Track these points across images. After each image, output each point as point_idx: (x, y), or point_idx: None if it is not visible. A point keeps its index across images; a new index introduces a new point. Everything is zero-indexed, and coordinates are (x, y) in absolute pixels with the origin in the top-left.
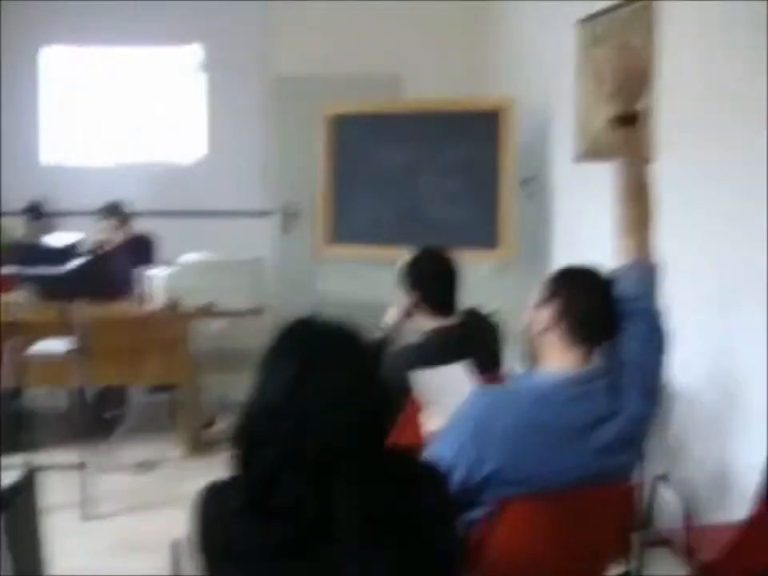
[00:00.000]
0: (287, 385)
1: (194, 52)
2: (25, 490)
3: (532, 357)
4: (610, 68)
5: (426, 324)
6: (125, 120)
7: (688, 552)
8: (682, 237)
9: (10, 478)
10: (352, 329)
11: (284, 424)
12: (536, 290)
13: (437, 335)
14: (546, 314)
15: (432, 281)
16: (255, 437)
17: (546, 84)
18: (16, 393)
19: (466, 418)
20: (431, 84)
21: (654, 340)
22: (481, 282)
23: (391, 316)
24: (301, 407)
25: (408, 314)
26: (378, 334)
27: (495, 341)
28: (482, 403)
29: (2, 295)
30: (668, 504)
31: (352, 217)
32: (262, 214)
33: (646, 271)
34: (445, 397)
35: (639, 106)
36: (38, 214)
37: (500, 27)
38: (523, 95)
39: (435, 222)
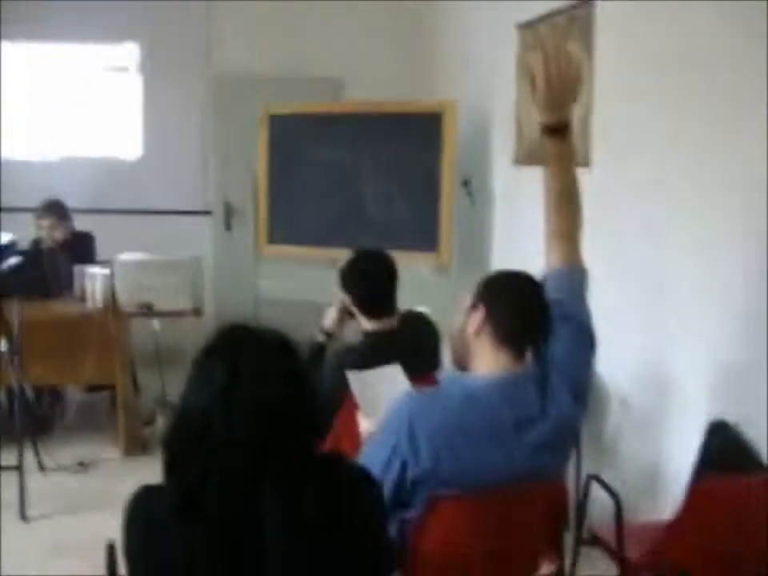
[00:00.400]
0: (217, 390)
1: (131, 50)
2: None
3: (462, 360)
4: (539, 75)
5: (364, 325)
6: (63, 116)
7: (618, 550)
8: (613, 239)
9: None
10: (284, 334)
11: (214, 429)
12: (468, 295)
13: (374, 337)
14: (474, 319)
15: (369, 283)
16: (185, 441)
17: (487, 88)
18: None
19: (397, 419)
20: (372, 87)
21: (582, 342)
22: (419, 285)
23: (330, 317)
24: (230, 413)
25: (346, 315)
26: (316, 336)
27: (432, 343)
28: (412, 404)
29: None
30: (600, 503)
31: (292, 217)
32: (202, 212)
33: (574, 275)
34: (380, 398)
35: (568, 115)
36: None
37: (441, 31)
38: (464, 98)
39: (374, 224)
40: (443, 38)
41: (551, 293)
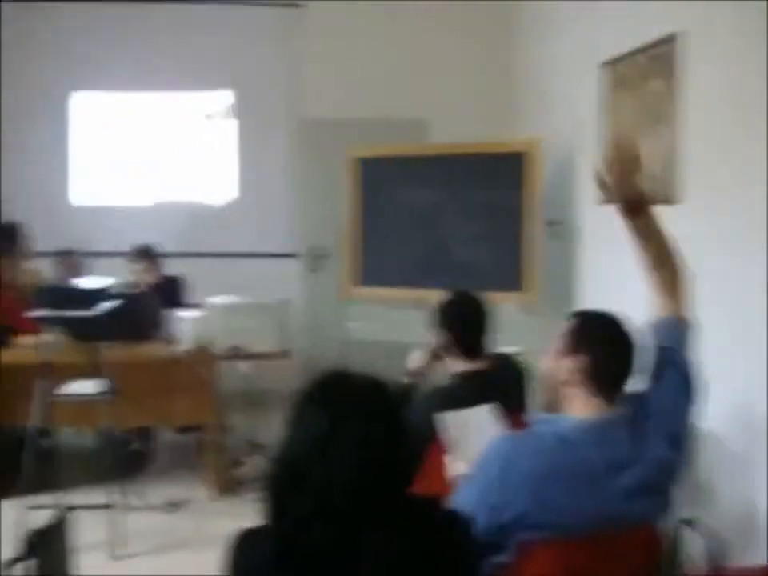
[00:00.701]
0: (317, 437)
1: (225, 97)
2: (56, 530)
3: (554, 403)
4: (605, 163)
5: (454, 366)
6: (157, 162)
7: None
8: (703, 278)
9: (40, 517)
10: (380, 381)
11: (313, 475)
12: (557, 336)
13: (464, 378)
14: (568, 365)
15: (464, 324)
16: (285, 487)
17: (570, 126)
18: (45, 432)
19: (490, 462)
20: (457, 128)
21: (684, 391)
22: (505, 325)
23: (416, 358)
24: (329, 458)
25: (437, 356)
26: (404, 378)
27: (521, 385)
28: (504, 448)
29: (33, 337)
30: (694, 548)
31: (377, 259)
32: (290, 255)
33: (679, 325)
34: (470, 439)
35: (639, 188)
36: (69, 258)
37: (525, 70)
38: (547, 137)
39: (461, 264)
40: (527, 77)
41: (656, 339)
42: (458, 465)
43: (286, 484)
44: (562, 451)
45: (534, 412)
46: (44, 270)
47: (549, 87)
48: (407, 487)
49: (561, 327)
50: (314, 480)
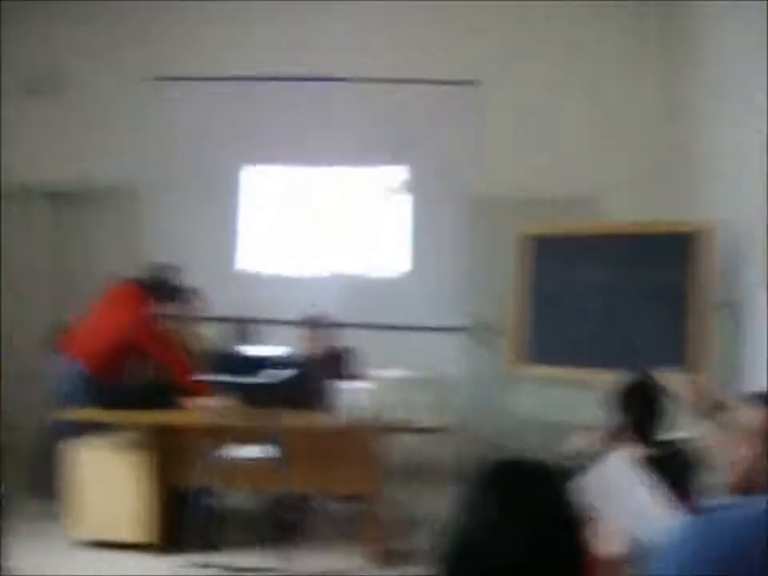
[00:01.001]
0: (488, 527)
1: (399, 172)
2: None
3: (738, 487)
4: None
5: (630, 451)
6: (331, 234)
7: None
8: None
9: None
10: (553, 468)
11: (484, 563)
12: (737, 419)
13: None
14: (752, 450)
15: (646, 409)
16: (454, 569)
17: (744, 206)
18: (209, 493)
19: (676, 547)
20: (627, 205)
21: None
22: (674, 407)
23: (581, 440)
24: (499, 544)
25: (610, 439)
26: (564, 460)
27: (693, 470)
28: (692, 531)
29: (202, 400)
30: None
31: (544, 336)
32: (457, 329)
33: None
34: (611, 497)
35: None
36: (239, 326)
37: (694, 149)
38: (719, 215)
39: (628, 345)
40: (696, 156)
41: None
42: (612, 540)
43: (455, 565)
44: (753, 537)
45: (704, 499)
46: (213, 336)
47: (718, 165)
48: (579, 566)
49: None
50: (486, 564)
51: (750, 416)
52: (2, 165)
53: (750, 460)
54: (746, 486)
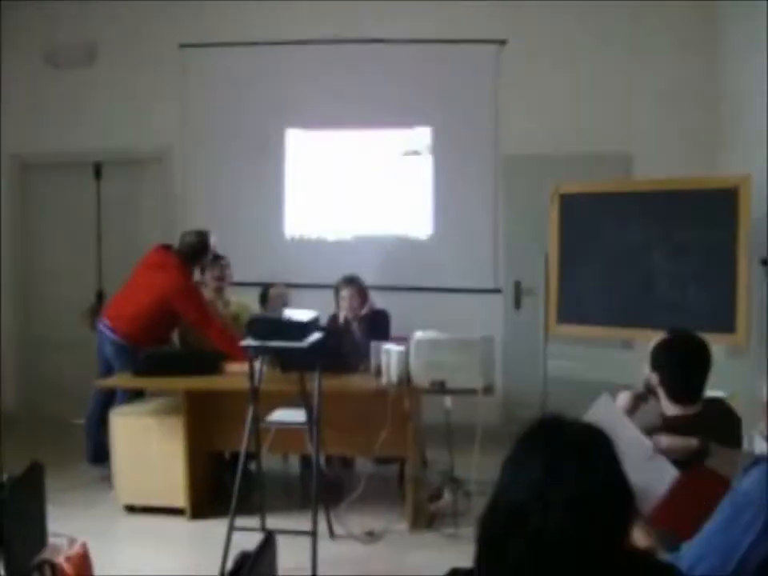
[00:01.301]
0: (532, 485)
1: (424, 134)
2: (265, 553)
3: None
4: None
5: (665, 409)
6: (359, 197)
7: None
8: None
9: (245, 539)
10: (597, 429)
11: (530, 521)
12: None
13: (674, 422)
14: None
15: (683, 366)
16: (499, 532)
17: None
18: (251, 457)
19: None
20: (661, 162)
21: None
22: (714, 367)
23: (622, 400)
24: (546, 508)
25: (643, 397)
26: None
27: (734, 432)
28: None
29: (243, 365)
30: None
31: (581, 296)
32: (492, 290)
33: None
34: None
35: None
36: (275, 289)
37: (730, 103)
38: (757, 174)
39: (666, 303)
40: (732, 111)
41: None
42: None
43: (502, 526)
44: None
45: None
46: (252, 301)
47: (755, 122)
48: (624, 537)
49: None
50: (531, 525)
51: None
52: (40, 137)
53: None
54: None
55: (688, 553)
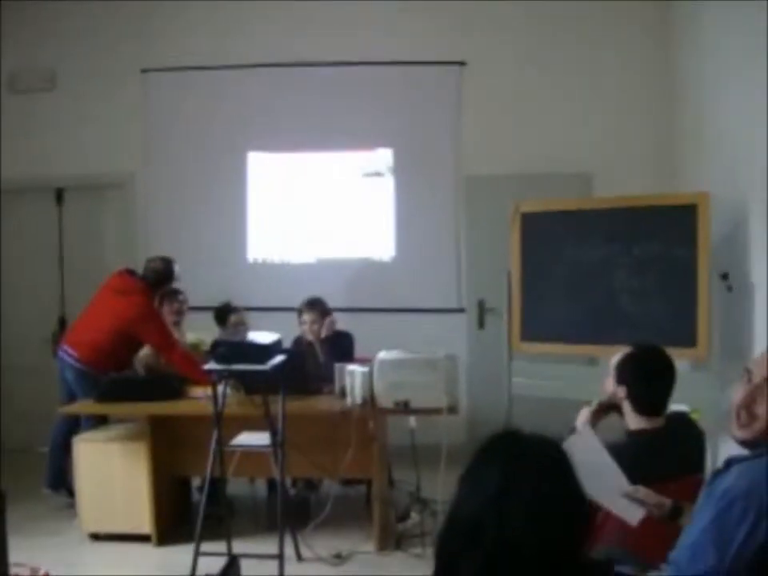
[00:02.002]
0: (490, 494)
1: (385, 156)
2: None
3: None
4: None
5: (631, 422)
6: (320, 220)
7: None
8: None
9: (210, 564)
10: (552, 439)
11: (486, 535)
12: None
13: (639, 436)
14: None
15: (650, 380)
16: (458, 544)
17: (740, 179)
18: (217, 482)
19: (732, 493)
20: (620, 180)
21: None
22: (678, 381)
23: (583, 415)
24: (503, 519)
25: (604, 412)
26: (564, 435)
27: (697, 445)
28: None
29: (207, 389)
30: None
31: (544, 314)
32: (456, 310)
33: None
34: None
35: None
36: (225, 314)
37: (689, 123)
38: (714, 189)
39: (628, 320)
40: (689, 127)
41: None
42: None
43: (459, 541)
44: None
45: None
46: (210, 326)
47: (714, 139)
48: (580, 547)
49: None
50: (488, 538)
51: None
52: (2, 162)
53: None
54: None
55: (679, 555)
